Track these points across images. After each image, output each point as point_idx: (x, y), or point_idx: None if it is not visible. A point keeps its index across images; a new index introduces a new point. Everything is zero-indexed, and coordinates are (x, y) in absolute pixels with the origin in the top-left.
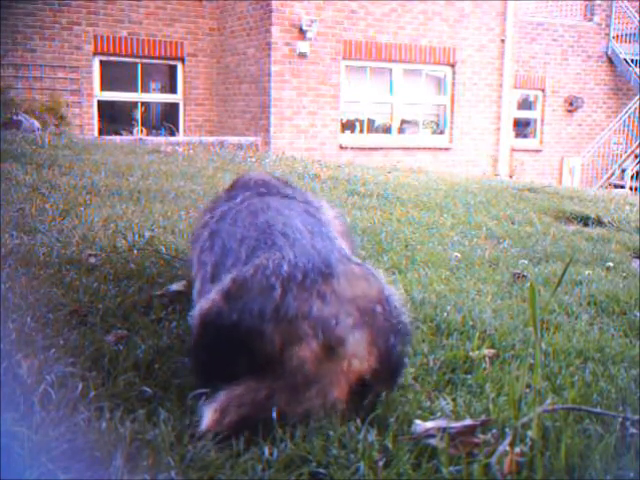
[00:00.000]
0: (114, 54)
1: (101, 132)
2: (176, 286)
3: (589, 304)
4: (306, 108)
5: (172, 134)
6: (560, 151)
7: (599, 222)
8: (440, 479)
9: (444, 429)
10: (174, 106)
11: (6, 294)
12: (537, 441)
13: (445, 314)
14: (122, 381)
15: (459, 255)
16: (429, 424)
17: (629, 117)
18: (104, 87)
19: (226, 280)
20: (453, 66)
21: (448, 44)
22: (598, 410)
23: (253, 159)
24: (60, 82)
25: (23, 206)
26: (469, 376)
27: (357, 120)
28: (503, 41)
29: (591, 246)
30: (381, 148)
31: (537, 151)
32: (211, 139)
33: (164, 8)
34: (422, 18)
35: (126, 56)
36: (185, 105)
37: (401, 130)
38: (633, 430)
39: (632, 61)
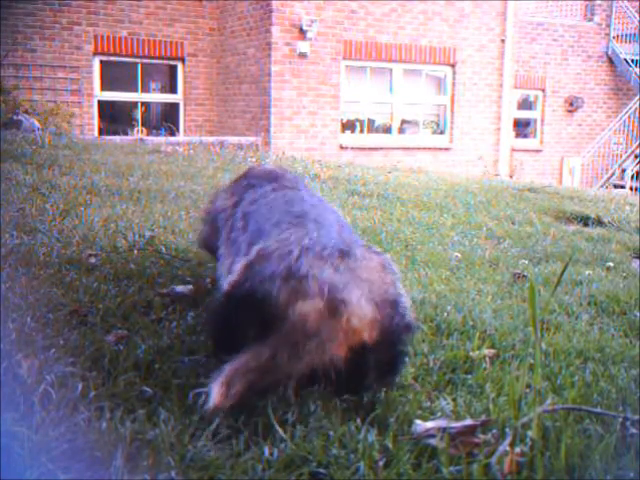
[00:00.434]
0: (114, 54)
1: (101, 132)
2: (181, 288)
3: (589, 304)
4: (306, 108)
5: (172, 134)
6: (560, 151)
7: (599, 222)
8: (440, 479)
9: (444, 429)
10: (174, 106)
11: (6, 294)
12: (537, 441)
13: (445, 314)
14: (122, 381)
15: (459, 255)
16: (429, 424)
17: (629, 117)
18: (104, 87)
19: (252, 252)
20: (453, 66)
21: (448, 44)
22: (598, 410)
23: (253, 159)
24: (60, 82)
25: (23, 206)
26: (469, 376)
27: (357, 120)
28: (503, 41)
29: (591, 246)
30: (381, 148)
31: (537, 151)
32: (211, 139)
33: (164, 8)
34: (422, 18)
35: (126, 56)
36: (185, 105)
37: (401, 130)
38: (633, 430)
39: (632, 61)
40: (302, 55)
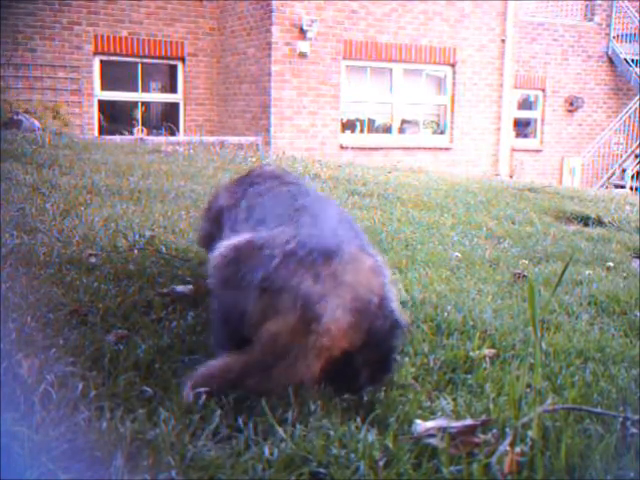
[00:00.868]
0: (114, 54)
1: (101, 132)
2: (182, 288)
3: (589, 304)
4: (306, 108)
5: (172, 134)
6: (560, 151)
7: (599, 222)
8: (440, 479)
9: (444, 429)
10: (174, 106)
11: (6, 294)
12: (537, 441)
13: (445, 314)
14: (122, 381)
15: (459, 255)
16: (429, 424)
17: (629, 117)
18: (104, 87)
19: (244, 236)
20: (453, 66)
21: (448, 44)
22: (598, 410)
23: (253, 159)
24: (60, 82)
25: (23, 206)
26: (469, 376)
27: (357, 120)
28: (503, 41)
29: (591, 246)
30: (381, 148)
31: (537, 151)
32: (211, 139)
33: (164, 8)
34: (422, 18)
35: (126, 56)
36: (185, 105)
37: (401, 130)
38: (633, 430)
39: (632, 61)
40: (302, 55)
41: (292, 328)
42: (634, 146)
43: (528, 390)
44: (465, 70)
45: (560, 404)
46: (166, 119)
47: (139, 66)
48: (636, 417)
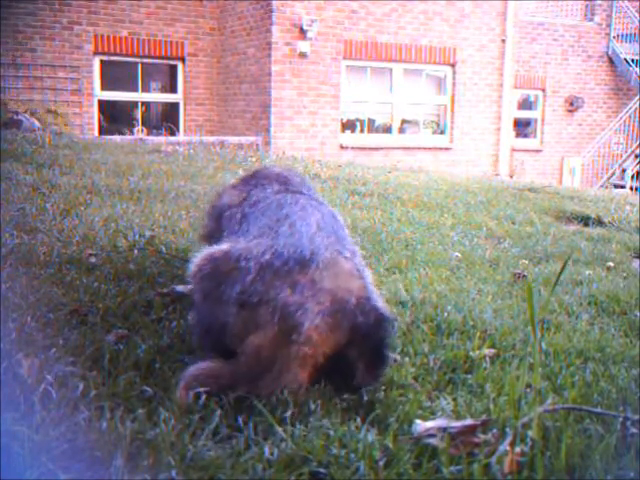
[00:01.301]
0: (114, 54)
1: (101, 132)
2: (182, 288)
3: (589, 304)
4: (306, 108)
5: (172, 134)
6: (560, 151)
7: (599, 222)
8: (441, 479)
9: (444, 429)
10: (174, 106)
11: (6, 294)
12: (537, 441)
13: (445, 314)
14: (122, 381)
15: (459, 255)
16: (429, 424)
17: (629, 117)
18: (104, 87)
19: (221, 246)
20: (453, 66)
21: (448, 44)
22: (598, 410)
23: (253, 159)
24: (60, 82)
25: (23, 206)
26: (469, 376)
27: (357, 120)
28: (503, 41)
29: (591, 246)
30: (381, 148)
31: (537, 151)
32: (211, 139)
33: (164, 8)
34: (422, 18)
35: (126, 56)
36: (185, 105)
37: (401, 130)
38: (634, 430)
39: (632, 61)
40: (302, 55)
41: (273, 340)
42: (634, 146)
43: (528, 390)
44: (465, 70)
45: (560, 404)
46: (166, 119)
47: (139, 66)
48: (636, 417)
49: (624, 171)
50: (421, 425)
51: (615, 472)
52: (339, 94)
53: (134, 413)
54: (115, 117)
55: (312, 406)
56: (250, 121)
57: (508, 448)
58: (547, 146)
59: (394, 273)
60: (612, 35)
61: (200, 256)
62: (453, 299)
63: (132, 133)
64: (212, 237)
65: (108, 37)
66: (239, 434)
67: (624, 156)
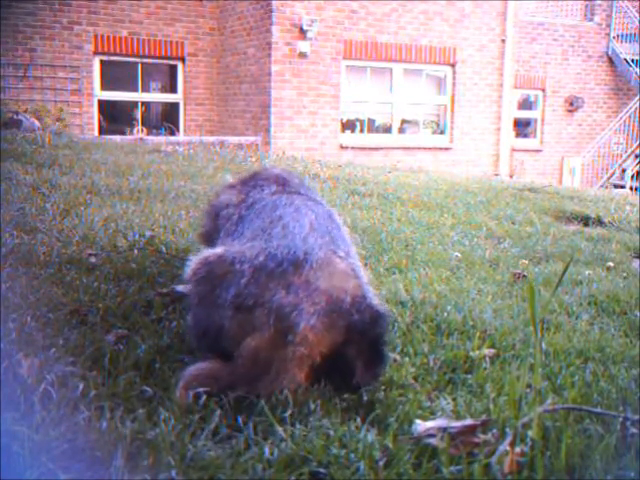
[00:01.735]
0: (114, 54)
1: (101, 132)
2: (181, 288)
3: (589, 304)
4: (306, 108)
5: (172, 134)
6: (560, 151)
7: (599, 222)
8: (441, 479)
9: (444, 429)
10: (174, 106)
11: (6, 294)
12: (537, 441)
13: (445, 314)
14: (122, 381)
15: (459, 255)
16: (429, 424)
17: (629, 117)
18: (104, 87)
19: (216, 250)
20: (453, 66)
21: (448, 44)
22: (598, 410)
23: (253, 159)
24: (60, 82)
25: (23, 205)
26: (469, 376)
27: (357, 120)
28: (503, 41)
29: (591, 246)
30: (381, 148)
31: (537, 151)
32: (211, 139)
33: (164, 8)
34: (422, 18)
35: (126, 56)
36: (185, 105)
37: (401, 130)
38: (633, 430)
39: (632, 61)
40: (302, 55)
41: (270, 342)
42: (634, 146)
43: (528, 390)
44: (465, 70)
45: (560, 404)
46: (166, 119)
47: (139, 66)
48: (636, 417)
49: (624, 171)
50: (421, 425)
51: (615, 472)
52: (339, 94)
53: (134, 413)
54: (115, 117)
55: (312, 406)
56: (250, 121)
57: (508, 448)
58: (547, 146)
59: (394, 273)
60: (612, 35)
61: (195, 260)
62: (453, 299)
63: (132, 133)
64: (210, 236)
65: (108, 37)
66: (239, 434)
67: (624, 156)
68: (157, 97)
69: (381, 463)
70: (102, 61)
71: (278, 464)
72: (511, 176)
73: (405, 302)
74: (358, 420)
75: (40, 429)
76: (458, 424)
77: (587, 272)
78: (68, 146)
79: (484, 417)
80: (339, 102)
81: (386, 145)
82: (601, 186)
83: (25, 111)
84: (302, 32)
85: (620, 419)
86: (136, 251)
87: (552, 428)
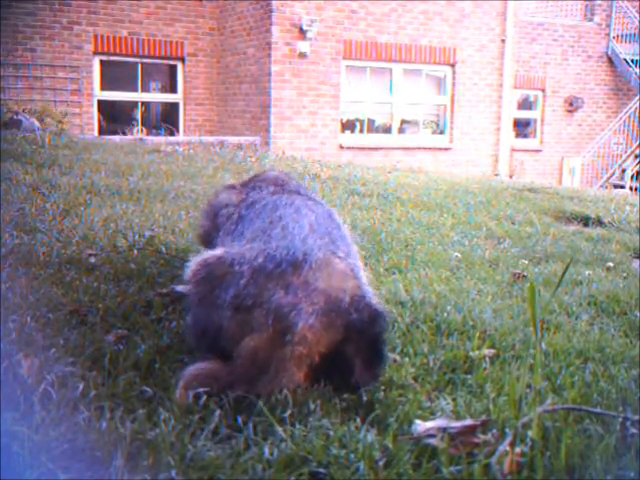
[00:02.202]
0: (114, 54)
1: (101, 132)
2: (181, 288)
3: (589, 304)
4: (306, 108)
5: (172, 134)
6: (560, 151)
7: (599, 222)
8: (440, 479)
9: (444, 429)
10: (174, 106)
11: (6, 294)
12: (537, 441)
13: (445, 314)
14: (122, 381)
15: (459, 255)
16: (429, 424)
17: (629, 117)
18: (104, 87)
19: (215, 252)
20: (453, 66)
21: (448, 44)
22: (598, 410)
23: (253, 159)
24: (60, 82)
25: (23, 206)
26: (469, 376)
27: (357, 120)
28: (503, 41)
29: (591, 246)
30: (381, 148)
31: (537, 151)
32: (211, 139)
33: (164, 8)
34: (422, 18)
35: (126, 56)
36: (185, 105)
37: (401, 130)
38: (633, 430)
39: (632, 61)
40: (302, 55)
41: (268, 342)
42: (634, 146)
43: (528, 390)
44: (465, 70)
45: (560, 404)
46: (166, 119)
47: (139, 66)
48: (636, 417)
49: (624, 171)
50: (421, 425)
51: (615, 472)
52: (339, 94)
53: (134, 413)
54: (115, 117)
55: (312, 406)
56: (250, 121)
57: (508, 448)
58: (547, 146)
59: (394, 273)
60: (612, 35)
61: (194, 261)
62: (453, 299)
63: (132, 133)
64: (208, 237)
65: (108, 37)
66: (239, 434)
67: (624, 156)
68: (157, 97)
69: (381, 463)
70: (102, 61)
71: (278, 464)
72: (511, 176)
73: (405, 302)
74: (358, 420)
75: (40, 429)
76: (458, 424)
77: (587, 272)
78: (68, 146)
79: (484, 417)
80: (339, 102)
81: (386, 145)
82: (601, 186)
83: (24, 111)
84: (302, 32)
85: (620, 419)
86: (136, 251)
87: (552, 428)
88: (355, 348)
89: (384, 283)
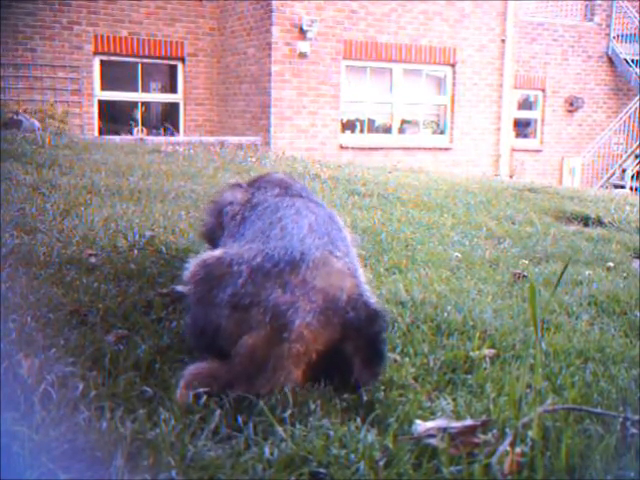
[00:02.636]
0: (114, 54)
1: (101, 132)
2: (181, 288)
3: (589, 304)
4: (306, 108)
5: (171, 134)
6: (560, 151)
7: (599, 222)
8: (441, 479)
9: (444, 429)
10: (174, 106)
11: (6, 294)
12: (538, 441)
13: (445, 314)
14: (122, 381)
15: (459, 255)
16: (429, 424)
17: (629, 117)
18: (104, 87)
19: (215, 253)
20: (453, 66)
21: (448, 44)
22: (598, 410)
23: (253, 159)
24: (60, 82)
25: (23, 206)
26: (469, 376)
27: (357, 120)
28: (503, 41)
29: (591, 246)
30: (381, 148)
31: (537, 151)
32: (211, 139)
33: (164, 8)
34: (422, 18)
35: (126, 56)
36: (185, 105)
37: (401, 130)
38: (633, 430)
39: (632, 61)
40: (302, 55)
41: (265, 340)
42: (634, 146)
43: (528, 390)
44: (465, 70)
45: (560, 404)
46: (166, 119)
47: (139, 66)
48: (636, 417)
49: (624, 171)
50: (421, 425)
51: (615, 472)
52: (339, 94)
53: (134, 413)
54: (115, 117)
55: (312, 406)
56: (250, 121)
57: (508, 448)
58: (547, 146)
59: (394, 273)
60: (612, 35)
61: (194, 262)
62: (453, 299)
63: (132, 133)
64: (212, 234)
65: (108, 37)
66: (239, 434)
67: (624, 156)
68: (157, 97)
69: (381, 463)
70: (102, 61)
71: (278, 464)
72: (511, 176)
73: (405, 302)
74: (358, 420)
75: (40, 429)
76: (458, 424)
77: (587, 272)
78: (68, 146)
79: (484, 417)
80: (339, 102)
81: (386, 145)
82: (601, 186)
83: (24, 111)
84: (302, 32)
85: (620, 419)
86: (136, 251)
87: (552, 428)
88: (354, 347)
89: (384, 283)
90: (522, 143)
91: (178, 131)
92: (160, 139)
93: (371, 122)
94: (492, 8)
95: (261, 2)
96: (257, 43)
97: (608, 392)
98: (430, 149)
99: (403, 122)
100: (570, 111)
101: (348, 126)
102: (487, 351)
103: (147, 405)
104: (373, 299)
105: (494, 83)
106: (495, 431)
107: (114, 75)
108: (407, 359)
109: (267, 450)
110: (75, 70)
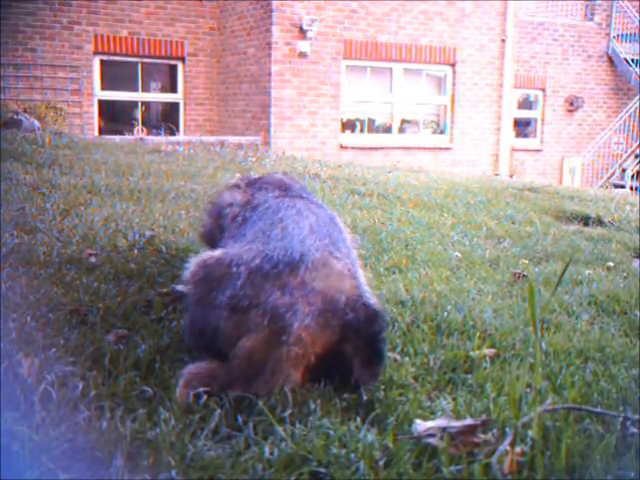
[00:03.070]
0: (114, 53)
1: (101, 131)
2: (181, 288)
3: (589, 304)
4: (306, 108)
5: (172, 134)
6: (560, 151)
7: (599, 222)
8: (441, 479)
9: (444, 429)
10: (174, 106)
11: (6, 293)
12: (538, 441)
13: (445, 314)
14: (122, 380)
15: (459, 255)
16: (429, 424)
17: (629, 117)
18: (104, 86)
19: (214, 253)
20: (453, 66)
21: (448, 44)
22: (599, 410)
23: (253, 159)
24: (60, 82)
25: (23, 205)
26: (469, 376)
27: (357, 120)
28: (503, 41)
29: (591, 246)
30: (381, 148)
31: (537, 151)
32: (211, 139)
33: (164, 8)
34: (422, 18)
35: (126, 55)
36: (185, 105)
37: (401, 130)
38: (633, 430)
39: (632, 61)
40: (302, 55)
41: (264, 342)
42: (634, 146)
43: (528, 390)
44: (465, 70)
45: (560, 404)
46: (166, 119)
47: (139, 66)
48: (636, 417)
49: (624, 171)
50: (421, 425)
51: (615, 472)
52: (339, 94)
53: (134, 413)
54: (115, 117)
55: (312, 406)
56: (250, 121)
57: (508, 448)
58: (547, 146)
59: (394, 273)
60: (612, 35)
61: (193, 262)
62: (453, 299)
63: (132, 133)
64: (211, 235)
65: (108, 37)
66: (239, 434)
67: (624, 156)
68: (157, 97)
69: (381, 463)
70: (102, 61)
71: (278, 464)
72: (511, 176)
73: (405, 302)
74: (358, 420)
75: (40, 429)
76: (458, 424)
77: (587, 272)
78: (68, 146)
79: (484, 417)
80: (339, 102)
81: (386, 145)
82: (601, 186)
83: (25, 111)
84: (302, 32)
85: (620, 419)
86: (136, 251)
87: (552, 428)
88: (353, 348)
89: (384, 283)
90: (522, 143)
91: (178, 131)
92: (160, 139)
93: (371, 122)
94: (492, 8)
95: (261, 2)
96: (257, 43)
97: (608, 392)
98: (430, 149)
99: (403, 122)
100: (570, 111)
101: (348, 126)
102: (487, 351)
103: (147, 405)
104: (373, 300)
105: (494, 83)
106: (495, 431)
107: (114, 75)
108: (407, 359)
109: (267, 450)
110: (75, 70)
